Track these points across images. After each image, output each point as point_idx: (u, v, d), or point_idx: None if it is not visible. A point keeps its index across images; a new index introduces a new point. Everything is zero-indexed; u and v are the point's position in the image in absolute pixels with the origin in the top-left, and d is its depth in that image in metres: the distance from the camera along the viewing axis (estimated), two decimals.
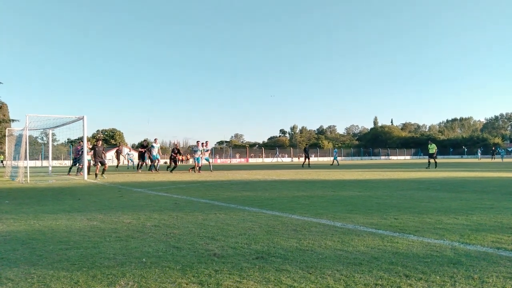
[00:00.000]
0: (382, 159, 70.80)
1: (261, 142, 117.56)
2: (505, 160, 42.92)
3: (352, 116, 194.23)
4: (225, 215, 5.17)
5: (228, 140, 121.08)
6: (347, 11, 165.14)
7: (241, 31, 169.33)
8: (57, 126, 16.46)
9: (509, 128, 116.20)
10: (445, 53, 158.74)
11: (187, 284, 2.44)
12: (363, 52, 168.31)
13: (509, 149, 77.29)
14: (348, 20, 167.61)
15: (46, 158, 39.73)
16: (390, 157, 79.65)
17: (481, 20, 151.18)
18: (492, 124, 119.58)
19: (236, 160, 57.64)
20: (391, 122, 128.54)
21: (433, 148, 21.14)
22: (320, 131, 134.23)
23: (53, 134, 36.81)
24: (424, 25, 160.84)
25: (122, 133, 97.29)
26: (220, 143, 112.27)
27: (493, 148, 49.31)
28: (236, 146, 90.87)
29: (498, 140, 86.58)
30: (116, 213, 5.53)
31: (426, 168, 20.65)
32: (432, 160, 21.29)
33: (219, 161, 61.53)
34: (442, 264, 2.81)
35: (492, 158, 45.77)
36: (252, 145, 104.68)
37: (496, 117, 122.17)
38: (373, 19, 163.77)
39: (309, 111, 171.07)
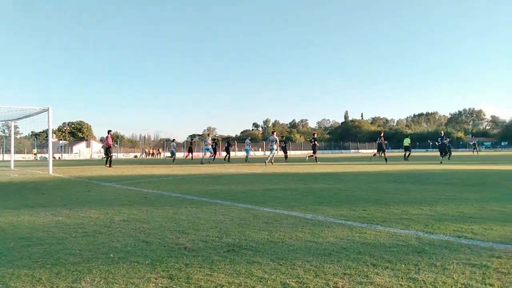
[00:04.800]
0: (352, 153, 72.40)
1: (234, 135, 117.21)
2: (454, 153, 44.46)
3: (324, 110, 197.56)
4: (196, 209, 5.12)
5: (200, 133, 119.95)
6: (318, 6, 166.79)
7: (214, 20, 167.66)
8: (20, 118, 15.75)
9: (471, 123, 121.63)
10: (414, 50, 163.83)
11: (156, 279, 2.39)
12: (334, 48, 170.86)
13: (471, 143, 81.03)
14: (318, 15, 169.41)
15: (8, 151, 37.90)
16: (360, 150, 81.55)
17: (446, 18, 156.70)
18: (456, 119, 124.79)
19: (209, 153, 57.12)
20: (361, 116, 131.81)
21: (407, 142, 24.57)
22: (293, 125, 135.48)
23: (16, 127, 35.15)
24: (392, 22, 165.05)
25: (90, 125, 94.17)
26: (192, 136, 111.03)
27: (476, 143, 49.55)
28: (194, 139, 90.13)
29: (461, 134, 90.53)
30: (83, 208, 5.36)
31: (406, 160, 22.09)
32: (407, 153, 23.89)
33: (190, 155, 60.92)
34: (407, 253, 2.90)
35: (473, 151, 45.74)
36: (225, 139, 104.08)
37: (460, 112, 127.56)
38: (342, 14, 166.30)
39: (282, 105, 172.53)
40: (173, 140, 30.94)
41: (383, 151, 20.82)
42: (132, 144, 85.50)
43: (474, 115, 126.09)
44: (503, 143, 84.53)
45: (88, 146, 74.50)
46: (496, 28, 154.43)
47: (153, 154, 60.07)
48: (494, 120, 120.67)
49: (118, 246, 3.21)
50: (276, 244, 3.22)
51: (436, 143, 20.30)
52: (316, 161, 21.27)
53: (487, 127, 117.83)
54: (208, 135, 25.71)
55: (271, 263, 2.68)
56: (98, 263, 2.72)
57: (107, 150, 18.10)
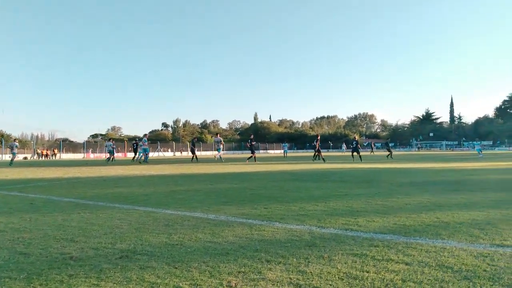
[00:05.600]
0: (261, 153, 74.83)
1: (141, 135, 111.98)
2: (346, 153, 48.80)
3: (235, 111, 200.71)
4: (90, 214, 4.73)
5: (103, 133, 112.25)
6: (229, 4, 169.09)
7: (116, 12, 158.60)
8: None
9: (365, 126, 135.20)
10: (317, 57, 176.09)
11: None
12: (243, 49, 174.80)
13: (365, 144, 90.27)
14: (222, 15, 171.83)
15: None
16: (268, 151, 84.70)
17: (343, 29, 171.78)
18: (352, 122, 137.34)
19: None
20: (270, 118, 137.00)
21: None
22: (204, 126, 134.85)
23: None
24: (298, 29, 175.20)
25: None
26: (94, 136, 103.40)
27: (372, 144, 54.51)
28: (113, 140, 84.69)
29: (357, 136, 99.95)
30: None
31: (313, 160, 23.33)
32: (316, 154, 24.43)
33: (92, 155, 56.57)
34: (300, 247, 3.06)
35: (371, 152, 50.06)
36: (131, 139, 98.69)
37: (355, 116, 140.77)
38: (250, 15, 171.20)
39: (192, 105, 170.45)
40: (110, 139, 28.26)
41: (318, 152, 23.16)
42: (21, 144, 75.92)
43: (367, 119, 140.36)
44: (390, 144, 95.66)
45: None
46: (387, 43, 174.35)
47: (47, 155, 54.23)
48: (384, 124, 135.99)
49: None
50: (174, 246, 3.13)
51: (351, 145, 23.69)
52: (255, 161, 22.49)
53: (378, 130, 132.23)
54: (145, 135, 24.64)
55: (166, 267, 2.59)
56: None
57: None
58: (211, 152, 72.79)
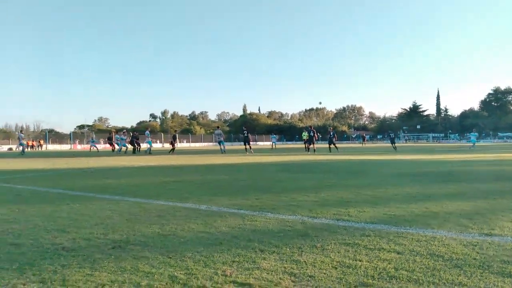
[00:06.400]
0: (251, 144, 74.81)
1: (129, 126, 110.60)
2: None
3: (223, 103, 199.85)
4: (80, 205, 4.68)
5: (90, 124, 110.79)
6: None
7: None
8: None
9: (353, 118, 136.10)
10: (304, 49, 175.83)
11: (24, 285, 2.11)
12: (230, 42, 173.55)
13: (353, 136, 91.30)
14: (213, 9, 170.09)
15: None
16: (258, 142, 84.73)
17: (326, 25, 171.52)
18: (341, 114, 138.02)
19: (100, 146, 52.56)
20: (259, 110, 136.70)
21: (305, 136, 25.37)
22: (192, 117, 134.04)
23: None
24: (287, 22, 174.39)
25: None
26: (81, 127, 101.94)
27: (364, 135, 55.09)
28: (100, 131, 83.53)
29: (345, 128, 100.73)
30: None
31: (307, 152, 23.05)
32: (307, 145, 24.22)
33: (79, 147, 55.78)
34: (292, 237, 3.09)
35: (362, 144, 50.74)
36: (119, 130, 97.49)
37: (344, 108, 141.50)
38: (237, 9, 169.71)
39: (181, 96, 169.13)
40: (117, 131, 30.77)
41: (313, 143, 23.28)
42: (6, 135, 74.34)
43: (356, 111, 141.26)
44: (378, 136, 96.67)
45: None
46: (375, 36, 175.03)
47: (33, 146, 53.30)
48: (372, 116, 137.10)
49: None
50: (167, 237, 3.12)
51: (328, 136, 24.25)
52: (246, 152, 23.24)
53: (366, 122, 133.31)
54: (147, 129, 28.31)
55: (160, 257, 2.59)
56: None
57: None
58: (200, 144, 72.60)
